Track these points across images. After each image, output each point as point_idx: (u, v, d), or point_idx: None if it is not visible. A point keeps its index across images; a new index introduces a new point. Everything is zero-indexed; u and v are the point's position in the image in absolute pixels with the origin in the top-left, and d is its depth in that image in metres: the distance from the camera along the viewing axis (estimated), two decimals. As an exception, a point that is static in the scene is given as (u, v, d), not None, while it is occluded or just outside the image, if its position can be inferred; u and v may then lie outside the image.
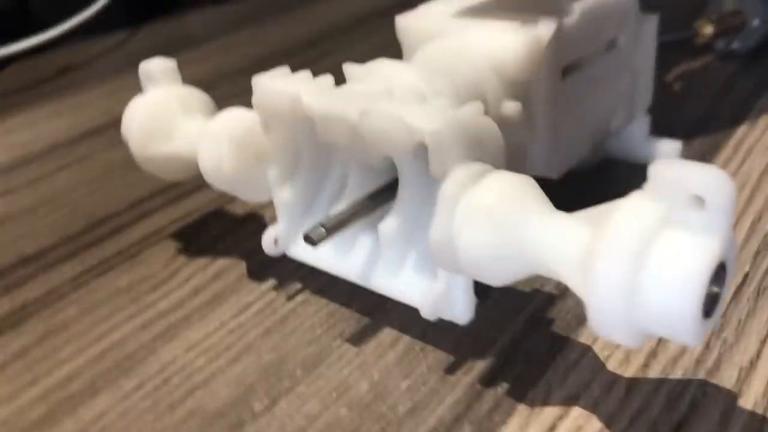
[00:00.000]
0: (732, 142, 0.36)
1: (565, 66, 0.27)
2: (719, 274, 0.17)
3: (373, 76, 0.24)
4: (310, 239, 0.22)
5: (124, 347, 0.26)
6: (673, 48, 0.45)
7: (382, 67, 0.25)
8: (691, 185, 0.16)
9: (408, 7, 0.29)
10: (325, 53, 0.56)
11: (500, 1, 0.28)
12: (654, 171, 0.17)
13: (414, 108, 0.21)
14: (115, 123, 0.43)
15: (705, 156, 0.34)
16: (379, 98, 0.22)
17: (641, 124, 0.33)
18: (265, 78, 0.24)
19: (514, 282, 0.21)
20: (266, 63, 0.55)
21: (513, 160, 0.26)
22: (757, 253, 0.27)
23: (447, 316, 0.23)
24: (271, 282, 0.29)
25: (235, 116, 0.26)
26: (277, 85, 0.23)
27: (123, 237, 0.33)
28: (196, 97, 0.28)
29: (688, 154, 0.34)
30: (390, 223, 0.23)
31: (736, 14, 0.44)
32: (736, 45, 0.45)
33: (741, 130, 0.37)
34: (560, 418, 0.21)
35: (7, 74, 0.59)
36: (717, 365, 0.23)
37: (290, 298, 0.28)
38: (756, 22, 0.44)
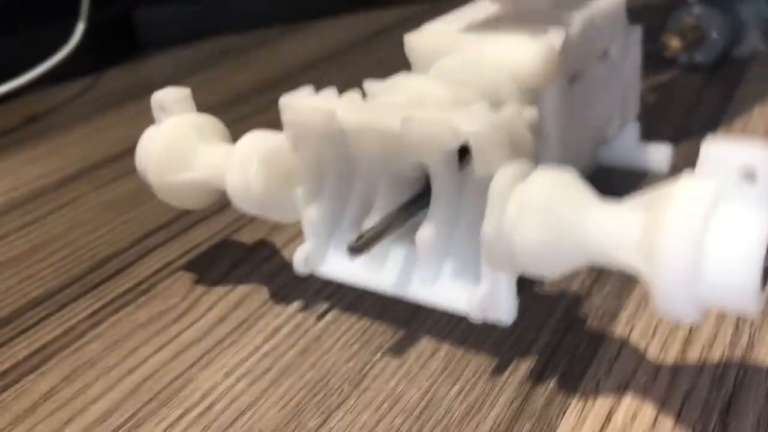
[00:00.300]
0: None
1: (570, 74, 0.28)
2: (770, 246, 0.18)
3: (397, 89, 0.25)
4: (353, 250, 0.23)
5: (158, 378, 0.25)
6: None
7: (404, 80, 0.25)
8: (743, 161, 0.17)
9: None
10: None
11: (503, 15, 0.29)
12: (705, 150, 0.18)
13: (455, 113, 0.21)
14: (96, 167, 0.43)
15: (691, 162, 0.36)
16: (414, 107, 0.22)
17: (632, 130, 0.35)
18: (294, 97, 0.25)
19: (567, 273, 0.21)
20: (239, 100, 0.56)
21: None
22: None
23: (492, 317, 0.23)
24: (296, 304, 0.29)
25: (261, 137, 0.26)
26: (309, 102, 0.24)
27: (132, 273, 0.32)
28: (212, 124, 0.28)
29: (675, 160, 0.36)
30: (427, 231, 0.24)
31: (696, 28, 0.46)
32: (699, 57, 0.47)
33: (720, 135, 0.39)
34: (614, 406, 0.22)
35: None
36: (751, 346, 0.23)
37: (320, 317, 0.28)
38: (715, 35, 0.46)
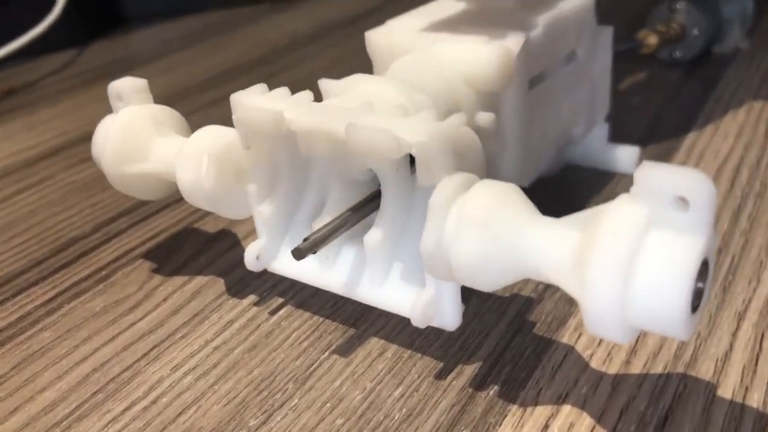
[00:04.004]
0: (684, 147, 0.37)
1: (531, 78, 0.28)
2: (703, 270, 0.18)
3: (351, 91, 0.25)
4: (299, 252, 0.23)
5: (107, 370, 0.26)
6: (619, 58, 0.47)
7: (358, 82, 0.25)
8: (675, 187, 0.17)
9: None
10: (280, 69, 0.56)
11: (466, 15, 0.29)
12: (639, 175, 0.18)
13: (399, 121, 0.21)
14: (71, 144, 0.42)
15: (660, 160, 0.36)
16: (362, 112, 0.22)
17: (601, 131, 0.35)
18: (245, 95, 0.24)
19: (504, 287, 0.21)
20: (219, 79, 0.55)
21: (488, 168, 0.27)
22: (719, 251, 0.29)
23: (437, 324, 0.23)
24: (251, 298, 0.29)
25: (213, 133, 0.26)
26: (258, 102, 0.24)
27: (93, 259, 0.32)
28: (169, 115, 0.28)
29: (644, 158, 0.36)
30: (375, 234, 0.24)
31: (676, 24, 0.46)
32: (678, 54, 0.47)
33: (691, 135, 0.39)
34: (552, 416, 0.22)
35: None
36: (695, 359, 0.24)
37: (273, 312, 0.28)
38: (695, 32, 0.46)
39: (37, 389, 0.25)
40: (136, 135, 0.27)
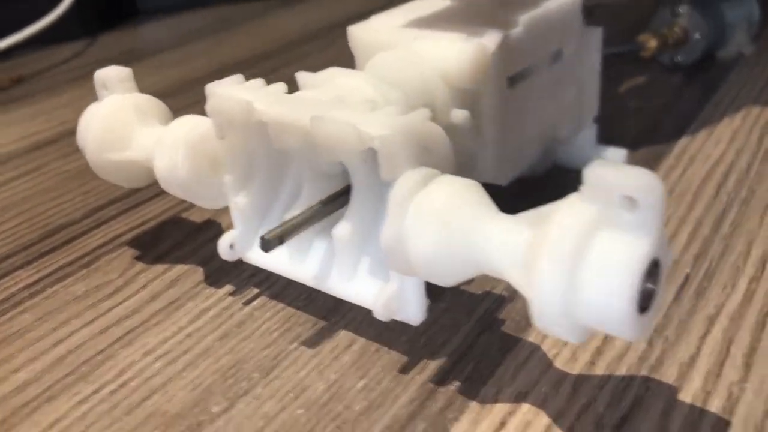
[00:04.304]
0: (675, 152, 0.37)
1: (511, 76, 0.28)
2: (653, 271, 0.18)
3: (325, 84, 0.25)
4: (265, 244, 0.23)
5: (81, 353, 0.26)
6: (620, 60, 0.47)
7: (333, 75, 0.25)
8: (624, 187, 0.17)
9: (362, 19, 0.30)
10: (283, 64, 0.57)
11: (449, 12, 0.29)
12: (588, 174, 0.18)
13: (364, 115, 0.22)
14: (71, 133, 0.43)
15: (649, 164, 0.36)
16: (331, 105, 0.23)
17: (588, 132, 0.35)
18: (218, 86, 0.25)
19: (464, 282, 0.21)
20: (224, 73, 0.56)
21: (463, 167, 0.27)
22: (697, 256, 0.29)
23: (400, 317, 0.24)
24: (227, 287, 0.29)
25: (190, 123, 0.26)
26: (229, 92, 0.24)
27: (79, 245, 0.33)
28: (153, 105, 0.29)
29: (632, 163, 0.36)
30: (344, 228, 0.24)
31: (679, 28, 0.45)
32: (680, 58, 0.47)
33: (684, 140, 0.38)
34: (510, 414, 0.22)
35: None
36: (660, 362, 0.24)
37: (247, 302, 0.28)
38: (697, 36, 0.46)
39: (11, 369, 0.26)
40: (118, 123, 0.28)
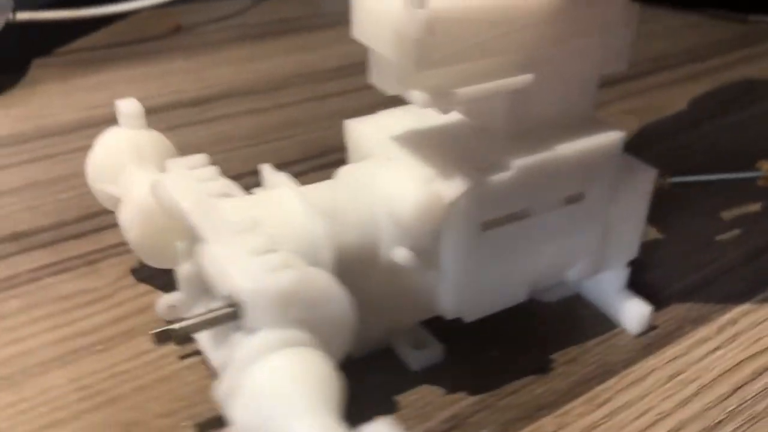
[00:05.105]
0: (720, 320, 0.32)
1: (490, 220, 0.25)
2: None
3: (264, 196, 0.24)
4: (157, 338, 0.23)
5: (26, 359, 0.28)
6: (732, 187, 0.41)
7: (277, 192, 0.25)
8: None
9: None
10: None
11: (447, 133, 0.27)
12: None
13: (246, 259, 0.21)
14: (181, 104, 0.44)
15: (680, 328, 0.31)
16: (232, 233, 0.22)
17: (616, 276, 0.31)
18: (174, 164, 0.25)
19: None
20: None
21: (421, 297, 0.26)
22: None
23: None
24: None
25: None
26: (167, 186, 0.24)
27: (100, 237, 0.35)
28: (155, 144, 0.30)
29: (662, 321, 0.31)
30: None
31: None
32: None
33: (746, 307, 0.32)
34: None
35: (122, 26, 0.62)
36: None
37: (183, 357, 0.29)
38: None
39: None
40: (111, 158, 0.29)
